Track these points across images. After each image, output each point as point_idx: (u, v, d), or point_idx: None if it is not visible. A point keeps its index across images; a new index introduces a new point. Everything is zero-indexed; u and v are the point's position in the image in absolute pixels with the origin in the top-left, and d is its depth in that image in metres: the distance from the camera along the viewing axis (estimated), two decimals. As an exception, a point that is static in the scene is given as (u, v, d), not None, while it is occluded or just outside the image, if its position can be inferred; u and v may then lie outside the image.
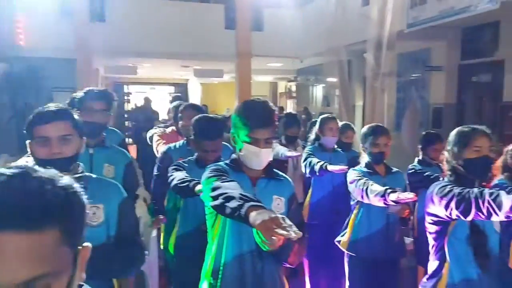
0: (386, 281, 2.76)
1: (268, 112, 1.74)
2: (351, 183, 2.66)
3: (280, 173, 1.89)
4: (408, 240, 3.31)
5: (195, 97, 15.03)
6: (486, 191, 1.71)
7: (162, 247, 2.87)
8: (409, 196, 2.20)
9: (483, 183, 2.01)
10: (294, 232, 1.13)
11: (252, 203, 1.34)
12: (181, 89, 15.52)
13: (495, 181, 2.79)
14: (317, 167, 3.27)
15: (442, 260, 1.96)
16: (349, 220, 2.84)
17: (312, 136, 3.78)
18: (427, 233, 2.02)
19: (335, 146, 3.71)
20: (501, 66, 6.03)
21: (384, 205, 2.41)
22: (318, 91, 12.02)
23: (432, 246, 2.01)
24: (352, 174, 2.70)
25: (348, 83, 7.65)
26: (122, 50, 8.67)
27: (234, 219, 1.43)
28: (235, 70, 8.57)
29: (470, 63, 6.73)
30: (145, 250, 1.67)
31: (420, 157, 3.40)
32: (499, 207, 1.62)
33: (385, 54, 5.82)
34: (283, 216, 1.22)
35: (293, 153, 3.48)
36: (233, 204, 1.40)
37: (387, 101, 6.40)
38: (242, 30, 8.05)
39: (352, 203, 2.82)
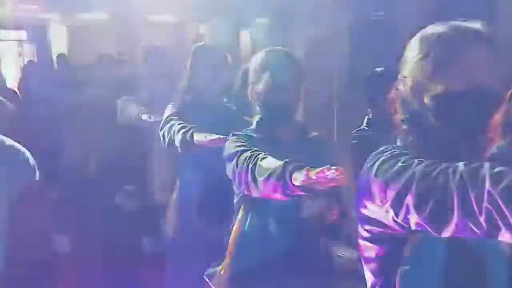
0: None
1: None
2: (229, 160, 1.56)
3: None
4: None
5: (59, 45, 11.73)
6: (487, 167, 0.76)
7: None
8: (329, 173, 1.14)
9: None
10: None
11: None
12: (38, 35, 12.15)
13: (493, 148, 1.73)
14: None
15: None
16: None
17: None
18: (361, 261, 1.07)
19: None
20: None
21: (285, 198, 1.34)
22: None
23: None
24: (230, 145, 1.59)
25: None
26: None
27: None
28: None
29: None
30: None
31: None
32: None
33: None
34: None
35: None
36: None
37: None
38: None
39: (235, 200, 1.67)
